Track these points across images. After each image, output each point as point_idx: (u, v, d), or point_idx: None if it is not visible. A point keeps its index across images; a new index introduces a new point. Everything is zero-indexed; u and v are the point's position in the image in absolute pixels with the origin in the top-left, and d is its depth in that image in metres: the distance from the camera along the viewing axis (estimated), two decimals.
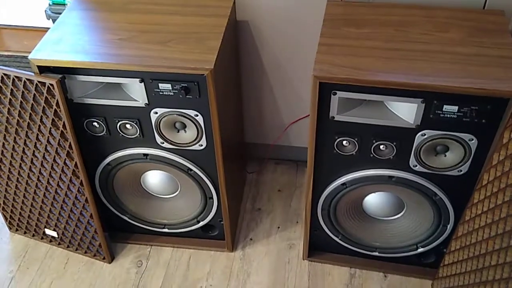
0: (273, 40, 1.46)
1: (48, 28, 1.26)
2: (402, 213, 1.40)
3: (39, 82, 1.16)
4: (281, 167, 1.85)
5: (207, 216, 1.49)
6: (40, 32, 2.06)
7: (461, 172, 1.19)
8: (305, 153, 1.77)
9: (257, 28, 1.44)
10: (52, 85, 1.14)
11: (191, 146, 1.30)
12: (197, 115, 1.22)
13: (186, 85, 1.15)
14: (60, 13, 1.33)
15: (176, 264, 1.55)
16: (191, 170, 1.35)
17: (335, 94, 1.11)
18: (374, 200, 1.40)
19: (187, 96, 1.18)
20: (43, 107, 1.20)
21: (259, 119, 1.69)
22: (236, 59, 1.47)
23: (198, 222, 1.52)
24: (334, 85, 1.09)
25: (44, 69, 1.16)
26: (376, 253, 1.47)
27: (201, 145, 1.29)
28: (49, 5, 1.78)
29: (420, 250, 1.41)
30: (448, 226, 1.32)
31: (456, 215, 1.28)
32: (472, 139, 1.12)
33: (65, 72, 1.17)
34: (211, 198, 1.43)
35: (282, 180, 1.80)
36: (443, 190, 1.24)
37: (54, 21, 1.82)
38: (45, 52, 1.16)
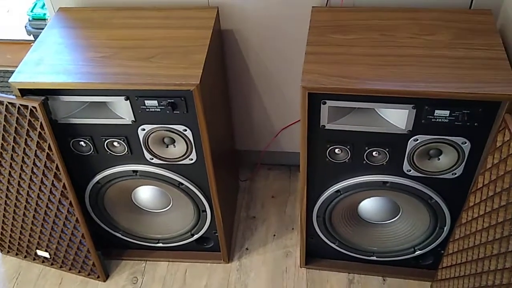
0: (259, 47, 1.43)
1: (32, 41, 1.23)
2: (398, 217, 1.38)
3: (21, 105, 1.13)
4: (273, 172, 1.83)
5: (201, 229, 1.47)
6: (23, 44, 2.02)
7: (456, 175, 1.18)
8: (298, 158, 1.76)
9: (242, 36, 1.41)
10: (34, 107, 1.11)
11: (181, 160, 1.27)
12: (185, 130, 1.20)
13: (172, 100, 1.13)
14: (40, 29, 1.30)
15: (172, 279, 1.53)
16: (182, 184, 1.33)
17: (324, 103, 1.09)
18: (369, 205, 1.38)
19: (174, 112, 1.15)
20: (27, 129, 1.17)
21: (250, 126, 1.66)
22: (222, 69, 1.45)
23: (192, 235, 1.50)
24: (323, 95, 1.07)
25: (26, 92, 1.13)
26: (374, 257, 1.46)
27: (191, 159, 1.27)
28: (29, 20, 1.75)
29: (418, 252, 1.40)
30: (445, 228, 1.31)
31: (453, 217, 1.27)
32: (465, 142, 1.10)
33: (47, 94, 1.14)
34: (204, 211, 1.41)
35: (275, 186, 1.79)
36: (438, 193, 1.23)
37: (35, 36, 1.79)
38: (26, 74, 1.13)
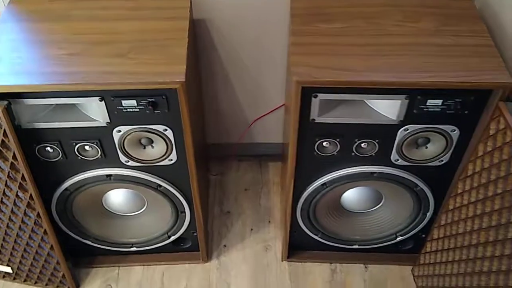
0: (231, 36, 1.36)
1: None
2: (380, 205, 1.38)
3: None
4: (244, 164, 1.78)
5: (179, 230, 1.40)
6: None
7: (442, 162, 1.18)
8: (268, 148, 1.72)
9: (214, 25, 1.33)
10: None
11: (159, 161, 1.19)
12: (166, 130, 1.11)
13: (153, 99, 1.04)
14: None
15: (149, 283, 1.46)
16: (160, 186, 1.25)
17: (316, 97, 1.05)
18: (352, 195, 1.37)
19: (155, 111, 1.07)
20: None
21: (221, 118, 1.60)
22: (195, 60, 1.36)
23: (169, 237, 1.42)
24: (315, 89, 1.03)
25: None
26: (356, 246, 1.45)
27: (171, 160, 1.19)
28: None
29: (399, 238, 1.41)
30: (428, 214, 1.32)
31: (436, 203, 1.28)
32: (454, 130, 1.10)
33: (9, 97, 1.01)
34: (183, 212, 1.33)
35: (247, 179, 1.74)
36: (424, 181, 1.23)
37: None
38: None
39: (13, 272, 1.40)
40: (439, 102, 1.04)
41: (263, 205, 1.66)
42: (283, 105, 1.53)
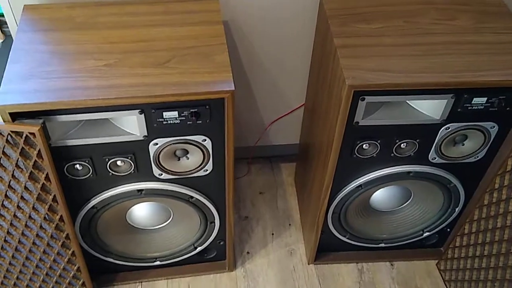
0: (253, 38, 1.32)
1: None
2: (408, 202, 1.38)
3: (12, 132, 0.91)
4: (254, 166, 1.74)
5: (206, 241, 1.35)
6: None
7: (477, 158, 1.19)
8: (279, 149, 1.69)
9: (236, 27, 1.28)
10: (32, 133, 0.91)
11: (194, 172, 1.14)
12: (204, 140, 1.06)
13: (196, 110, 0.99)
14: None
15: None
16: (192, 197, 1.20)
17: (363, 99, 1.03)
18: (381, 194, 1.36)
19: (197, 122, 1.01)
20: (17, 160, 0.96)
21: (237, 121, 1.55)
22: None
23: (195, 248, 1.37)
24: (364, 92, 1.00)
25: (16, 115, 0.92)
26: (382, 245, 1.45)
27: (206, 170, 1.14)
28: None
29: (426, 234, 1.42)
30: (457, 209, 1.33)
31: (466, 198, 1.29)
32: (494, 126, 1.11)
33: (42, 114, 0.94)
34: (213, 222, 1.29)
35: (260, 181, 1.70)
36: (458, 177, 1.23)
37: None
38: (15, 94, 0.91)
39: None
40: (483, 100, 1.04)
41: (281, 208, 1.63)
42: (301, 105, 1.50)
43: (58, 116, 0.95)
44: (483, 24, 1.11)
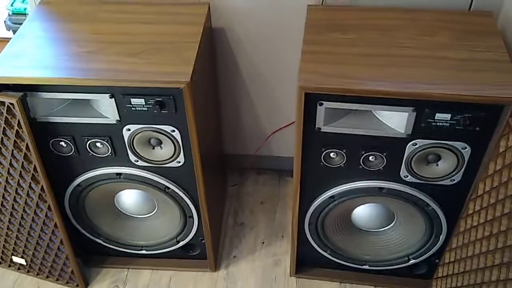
0: (251, 46, 1.38)
1: (10, 39, 1.16)
2: (392, 224, 1.34)
3: None
4: (263, 177, 1.78)
5: (187, 236, 1.40)
6: (1, 42, 1.93)
7: (454, 181, 1.14)
8: (288, 162, 1.70)
9: (233, 34, 1.36)
10: (12, 104, 1.04)
11: (168, 163, 1.21)
12: (173, 131, 1.13)
13: (161, 99, 1.07)
14: (20, 24, 1.22)
15: (156, 287, 1.46)
16: (168, 188, 1.26)
17: (321, 104, 1.04)
18: (363, 212, 1.33)
19: (162, 111, 1.09)
20: (3, 128, 1.10)
21: (239, 129, 1.61)
22: (213, 68, 1.39)
23: (178, 242, 1.43)
24: (320, 96, 1.02)
25: (2, 87, 1.06)
26: (366, 266, 1.41)
27: (179, 162, 1.20)
28: (9, 15, 1.67)
29: (412, 261, 1.36)
30: (441, 237, 1.26)
31: (449, 225, 1.23)
32: (465, 148, 1.06)
33: (26, 90, 1.07)
34: (191, 216, 1.34)
35: (265, 192, 1.73)
36: (435, 200, 1.18)
37: (14, 32, 1.71)
38: (4, 68, 1.06)
39: (26, 264, 1.45)
40: (447, 116, 1.01)
41: (277, 219, 1.64)
42: None
43: (38, 93, 1.07)
44: (461, 42, 1.09)
